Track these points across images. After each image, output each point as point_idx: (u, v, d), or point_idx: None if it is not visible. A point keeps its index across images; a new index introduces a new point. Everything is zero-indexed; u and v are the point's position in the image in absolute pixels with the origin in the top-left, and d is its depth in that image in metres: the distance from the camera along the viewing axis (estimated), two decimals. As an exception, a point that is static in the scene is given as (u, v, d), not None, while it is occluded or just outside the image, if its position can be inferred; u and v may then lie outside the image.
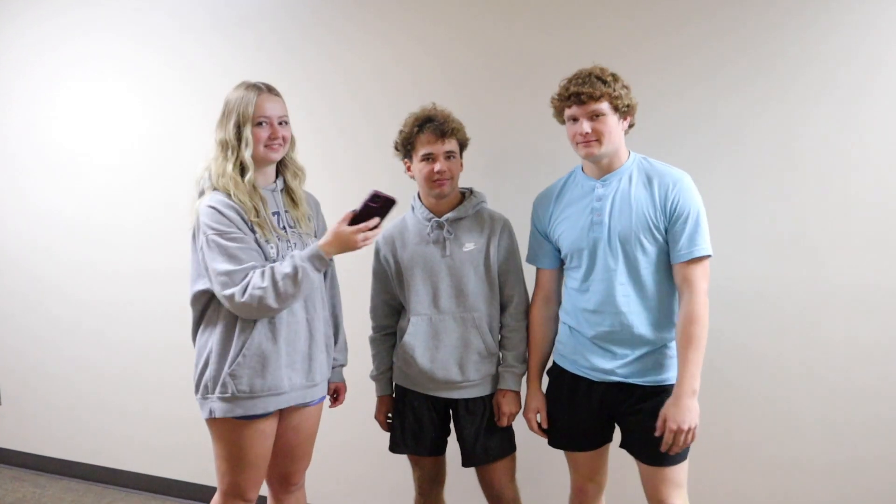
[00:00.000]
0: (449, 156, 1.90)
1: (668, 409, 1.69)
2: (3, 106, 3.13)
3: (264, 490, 2.05)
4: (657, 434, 1.70)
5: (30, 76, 3.05)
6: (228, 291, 1.68)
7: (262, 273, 1.69)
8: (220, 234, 1.70)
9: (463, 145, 1.96)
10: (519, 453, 2.03)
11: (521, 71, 2.32)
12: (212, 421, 1.81)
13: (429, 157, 1.90)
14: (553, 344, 1.96)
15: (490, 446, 1.97)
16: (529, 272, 2.04)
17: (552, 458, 1.98)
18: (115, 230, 2.98)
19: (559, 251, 1.89)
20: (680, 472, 1.79)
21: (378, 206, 1.72)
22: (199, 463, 2.88)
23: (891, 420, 2.04)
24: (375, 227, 1.74)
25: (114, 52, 2.88)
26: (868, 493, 2.09)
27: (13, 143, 3.14)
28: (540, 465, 2.18)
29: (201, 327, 1.83)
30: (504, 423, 1.96)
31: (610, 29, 2.20)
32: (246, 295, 1.67)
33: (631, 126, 1.81)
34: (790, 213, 2.07)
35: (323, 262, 1.72)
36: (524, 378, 1.98)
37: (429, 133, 1.88)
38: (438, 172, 1.88)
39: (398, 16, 2.46)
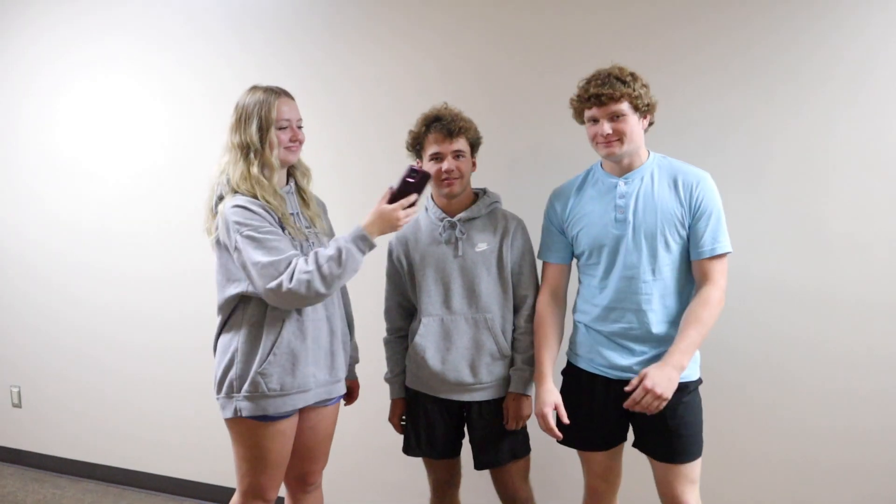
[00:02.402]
0: (457, 155, 1.89)
1: (651, 369, 1.67)
2: (17, 112, 3.17)
3: (281, 490, 2.06)
4: (627, 389, 1.69)
5: (43, 81, 3.09)
6: (275, 282, 1.66)
7: (307, 259, 1.70)
8: (254, 228, 1.69)
9: (474, 145, 1.95)
10: (532, 453, 2.02)
11: (535, 71, 2.31)
12: (233, 421, 1.80)
13: (437, 157, 1.89)
14: (561, 339, 1.92)
15: (502, 449, 1.95)
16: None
17: (566, 458, 1.97)
18: (129, 235, 3.00)
19: (572, 247, 1.89)
20: (694, 469, 1.79)
21: (416, 181, 1.75)
22: (217, 464, 2.90)
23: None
24: (413, 203, 1.76)
25: (127, 56, 2.91)
26: (875, 497, 2.07)
27: (27, 149, 3.17)
28: (554, 465, 2.18)
29: (224, 331, 1.83)
30: (512, 426, 1.93)
31: (624, 28, 2.20)
32: (294, 281, 1.66)
33: (651, 124, 1.81)
34: (800, 212, 2.06)
35: (366, 242, 1.73)
36: (535, 377, 1.91)
37: (436, 132, 1.89)
38: (447, 171, 1.88)
39: (401, 23, 2.48)
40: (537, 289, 1.98)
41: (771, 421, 2.15)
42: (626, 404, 1.69)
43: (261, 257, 1.67)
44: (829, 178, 2.04)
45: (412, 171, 1.75)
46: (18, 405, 3.36)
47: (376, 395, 2.17)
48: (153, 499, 3.05)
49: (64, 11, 3.01)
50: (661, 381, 1.65)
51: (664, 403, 1.66)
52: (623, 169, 1.80)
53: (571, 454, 1.94)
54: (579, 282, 1.92)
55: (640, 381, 1.67)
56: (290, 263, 1.68)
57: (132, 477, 3.15)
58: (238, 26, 2.72)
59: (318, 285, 1.67)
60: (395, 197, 1.75)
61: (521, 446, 1.99)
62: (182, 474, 3.05)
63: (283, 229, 1.75)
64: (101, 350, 3.13)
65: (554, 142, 2.29)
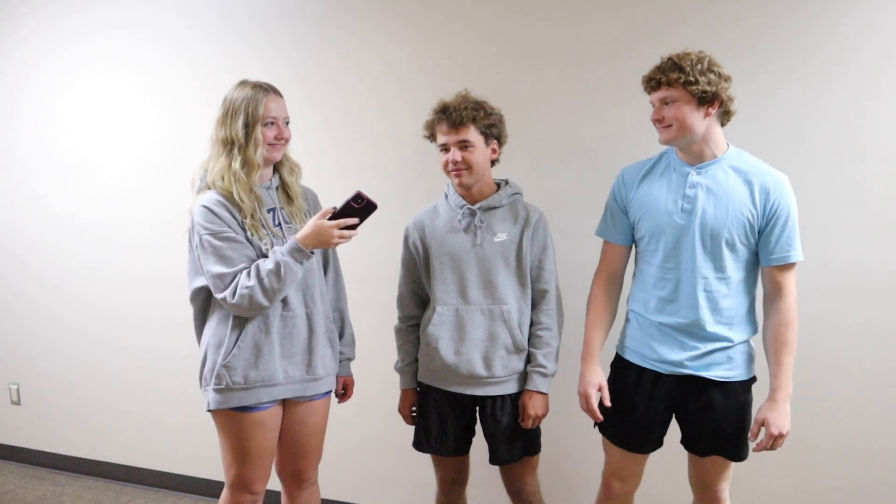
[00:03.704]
0: (464, 146, 1.85)
1: (766, 413, 1.69)
2: (14, 109, 3.14)
3: (278, 486, 2.06)
4: (752, 438, 1.70)
5: (40, 78, 3.06)
6: (221, 294, 1.74)
7: (248, 273, 1.73)
8: (213, 234, 1.73)
9: (488, 133, 1.88)
10: (542, 446, 2.01)
11: (552, 62, 2.28)
12: (213, 413, 1.84)
13: (444, 147, 1.88)
14: (612, 323, 1.90)
15: (515, 447, 1.94)
16: (563, 269, 1.98)
17: (573, 450, 1.95)
18: (128, 234, 2.99)
19: (633, 231, 1.84)
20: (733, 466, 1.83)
21: (360, 206, 1.73)
22: (214, 459, 2.90)
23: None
24: (353, 227, 1.74)
25: (124, 52, 2.88)
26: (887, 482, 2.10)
27: (24, 146, 3.14)
28: (561, 457, 2.17)
29: (205, 322, 1.87)
30: (528, 425, 1.91)
31: (633, 17, 2.19)
32: (236, 296, 1.71)
33: (726, 114, 1.71)
34: (803, 201, 2.06)
35: (302, 254, 1.73)
36: (582, 355, 1.87)
37: (442, 123, 1.87)
38: (452, 163, 1.86)
39: (411, 10, 2.44)
40: (557, 284, 1.96)
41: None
42: (756, 450, 1.71)
43: (213, 267, 1.73)
44: (814, 164, 2.05)
45: (357, 197, 1.72)
46: (17, 402, 3.35)
47: (390, 391, 2.16)
48: (153, 495, 3.06)
49: (59, 7, 2.98)
50: (781, 419, 1.68)
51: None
52: (695, 158, 1.73)
53: (579, 447, 1.93)
54: (636, 267, 1.88)
55: (760, 427, 1.69)
56: (235, 278, 1.72)
57: (132, 473, 3.15)
58: (232, 17, 2.69)
59: (261, 299, 1.71)
60: (336, 216, 1.73)
61: (534, 444, 1.98)
62: (180, 470, 3.05)
63: (247, 231, 1.76)
64: (101, 347, 3.12)
65: (574, 137, 2.26)
